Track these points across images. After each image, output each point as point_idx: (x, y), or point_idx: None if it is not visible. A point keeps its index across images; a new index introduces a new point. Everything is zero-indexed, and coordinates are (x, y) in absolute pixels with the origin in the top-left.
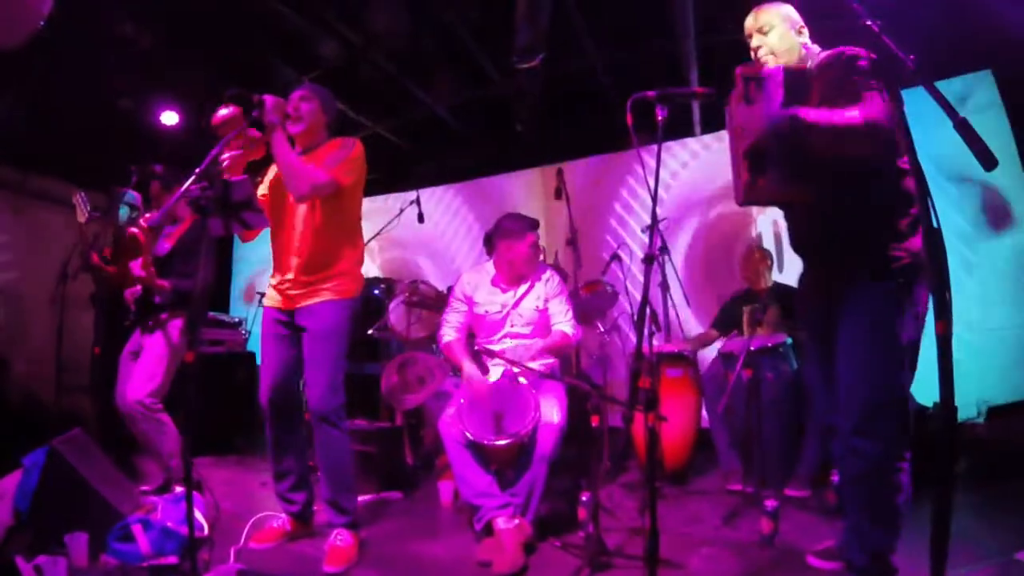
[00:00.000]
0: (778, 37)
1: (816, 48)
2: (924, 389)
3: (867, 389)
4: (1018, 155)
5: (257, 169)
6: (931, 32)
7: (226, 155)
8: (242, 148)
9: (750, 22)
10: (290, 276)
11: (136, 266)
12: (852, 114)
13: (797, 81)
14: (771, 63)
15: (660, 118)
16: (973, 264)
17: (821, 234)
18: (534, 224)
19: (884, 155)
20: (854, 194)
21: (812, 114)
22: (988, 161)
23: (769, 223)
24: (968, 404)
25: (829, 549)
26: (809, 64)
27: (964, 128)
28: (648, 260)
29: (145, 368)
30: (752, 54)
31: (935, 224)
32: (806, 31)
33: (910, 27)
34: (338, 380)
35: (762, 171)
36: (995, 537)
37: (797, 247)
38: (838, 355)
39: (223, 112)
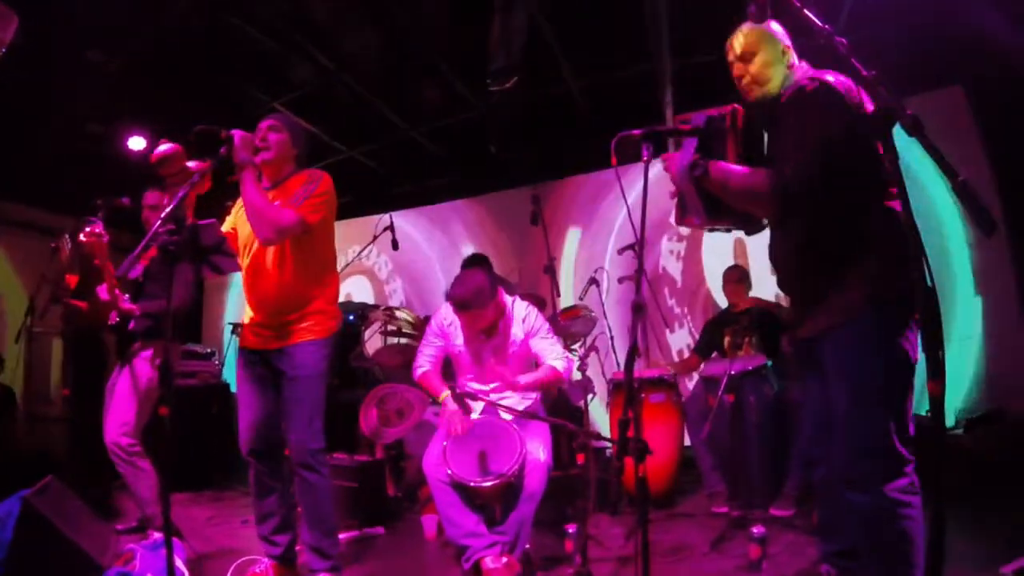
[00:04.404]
0: (760, 64)
1: (804, 66)
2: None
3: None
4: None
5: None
6: (898, 45)
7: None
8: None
9: (733, 49)
10: (262, 317)
11: (102, 291)
12: (760, 179)
13: (766, 114)
14: (755, 93)
15: (645, 158)
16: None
17: (796, 261)
18: (490, 291)
19: (806, 212)
20: (826, 225)
21: (722, 173)
22: (988, 226)
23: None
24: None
25: None
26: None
27: (964, 191)
28: (636, 309)
29: (117, 407)
30: (736, 83)
31: (929, 283)
32: (791, 52)
33: (876, 41)
34: (317, 424)
35: (684, 211)
36: (981, 550)
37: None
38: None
39: (163, 148)
